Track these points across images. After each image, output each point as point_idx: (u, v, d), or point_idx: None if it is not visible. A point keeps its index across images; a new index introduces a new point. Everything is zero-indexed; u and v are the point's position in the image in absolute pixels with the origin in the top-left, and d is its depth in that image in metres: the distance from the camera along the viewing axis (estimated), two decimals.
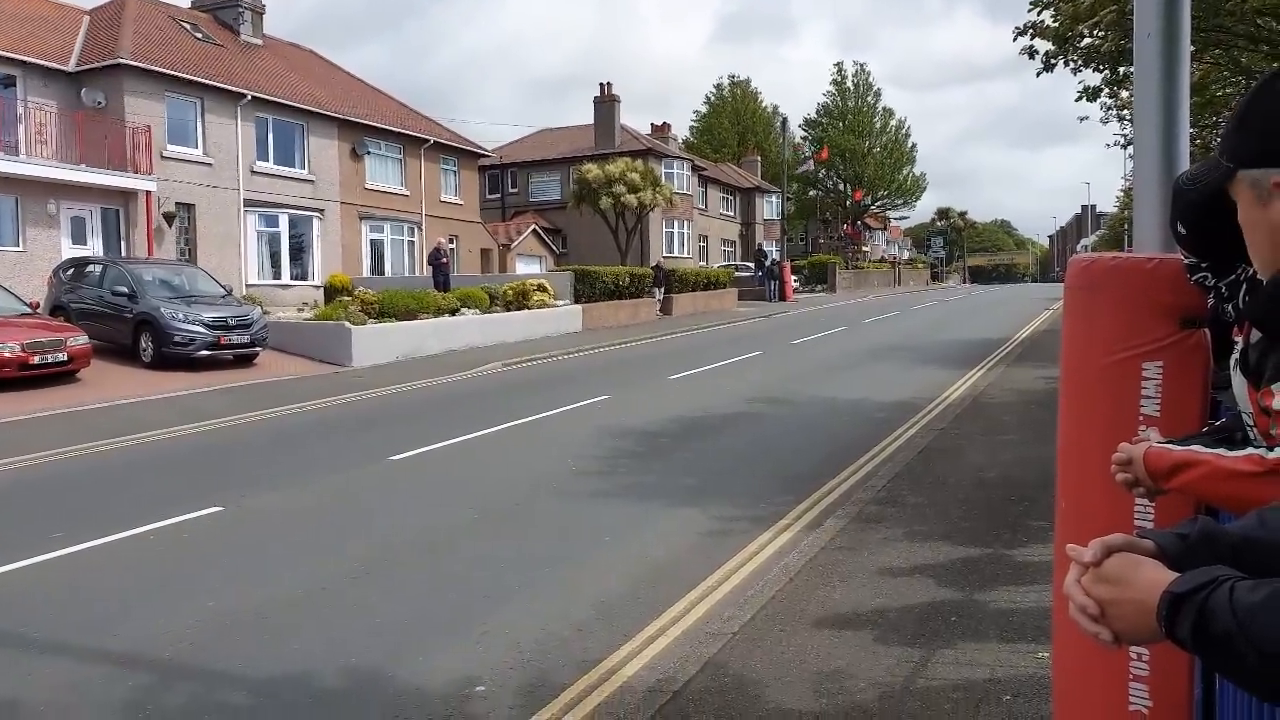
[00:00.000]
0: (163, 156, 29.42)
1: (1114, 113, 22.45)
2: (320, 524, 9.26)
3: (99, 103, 28.53)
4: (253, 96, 32.26)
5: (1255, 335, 1.81)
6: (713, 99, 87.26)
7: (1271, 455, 1.91)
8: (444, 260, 31.39)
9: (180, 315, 21.11)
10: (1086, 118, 53.75)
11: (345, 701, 5.44)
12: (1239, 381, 1.95)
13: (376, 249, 38.39)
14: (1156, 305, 3.15)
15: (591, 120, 57.95)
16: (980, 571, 7.00)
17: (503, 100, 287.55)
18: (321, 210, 35.26)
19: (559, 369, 22.50)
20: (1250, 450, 2.00)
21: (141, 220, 28.90)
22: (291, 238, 34.34)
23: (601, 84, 57.75)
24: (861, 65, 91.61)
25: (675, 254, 56.17)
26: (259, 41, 37.80)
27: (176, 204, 29.88)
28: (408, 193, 39.39)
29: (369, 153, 37.43)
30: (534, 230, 50.91)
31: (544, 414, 15.22)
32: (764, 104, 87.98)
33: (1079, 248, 74.13)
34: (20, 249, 26.13)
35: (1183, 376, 3.14)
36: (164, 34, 32.48)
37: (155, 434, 14.10)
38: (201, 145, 31.14)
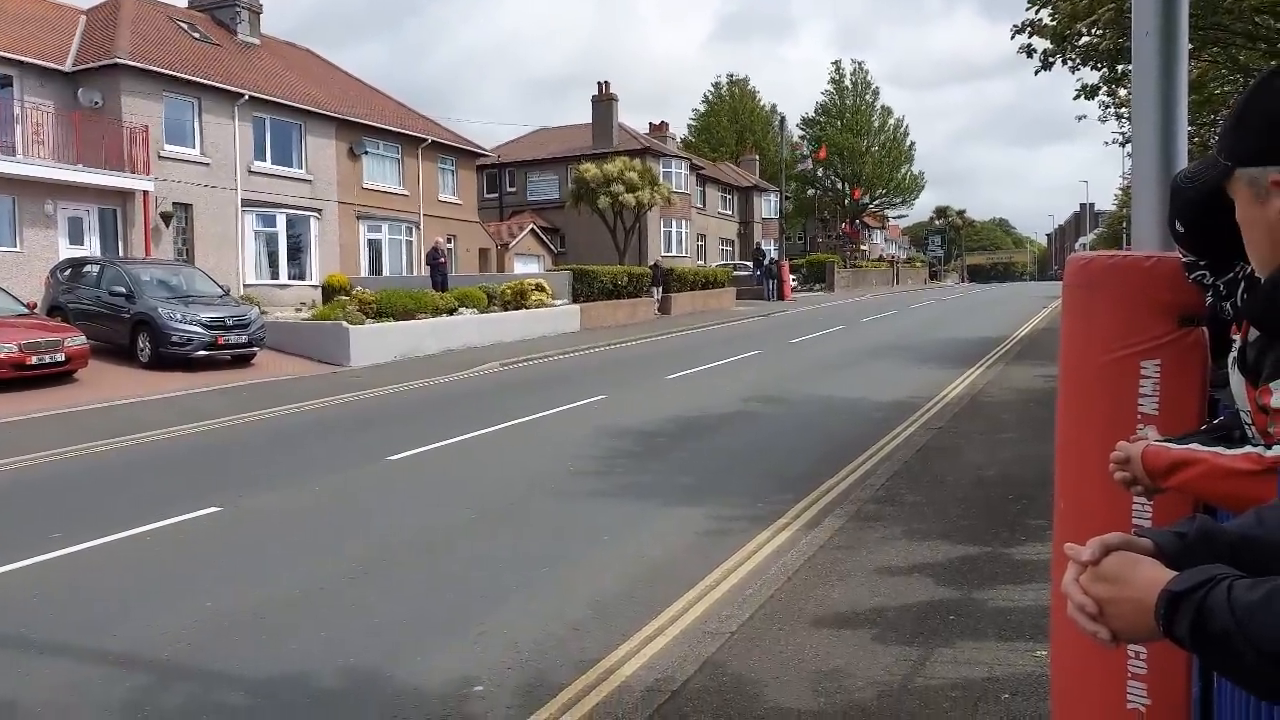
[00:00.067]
0: (160, 156, 29.40)
1: (1112, 111, 22.49)
2: (318, 524, 9.26)
3: (96, 103, 28.50)
4: (250, 96, 32.23)
5: (1253, 333, 1.81)
6: (711, 98, 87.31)
7: (1269, 453, 1.91)
8: (442, 260, 31.37)
9: (178, 315, 21.09)
10: (1085, 116, 53.83)
11: (343, 702, 5.44)
12: (1237, 379, 1.94)
13: (374, 249, 38.38)
14: (1155, 303, 3.15)
15: (589, 119, 57.93)
16: (979, 570, 7.00)
17: (501, 99, 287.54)
18: (319, 210, 35.24)
19: (557, 368, 22.50)
20: (1248, 448, 2.00)
21: (139, 220, 28.87)
22: (289, 237, 34.31)
23: (600, 83, 57.77)
24: (860, 64, 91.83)
25: (673, 253, 56.18)
26: (256, 41, 37.78)
27: (174, 204, 29.86)
28: (406, 192, 39.38)
29: (367, 152, 37.41)
30: (532, 230, 50.89)
31: (541, 414, 15.22)
32: (762, 103, 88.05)
33: (1077, 246, 74.22)
34: (17, 249, 26.10)
35: (1181, 375, 3.14)
36: (161, 34, 32.45)
37: (153, 434, 14.09)
38: (199, 145, 31.11)
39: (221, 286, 24.22)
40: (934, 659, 5.48)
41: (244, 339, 21.92)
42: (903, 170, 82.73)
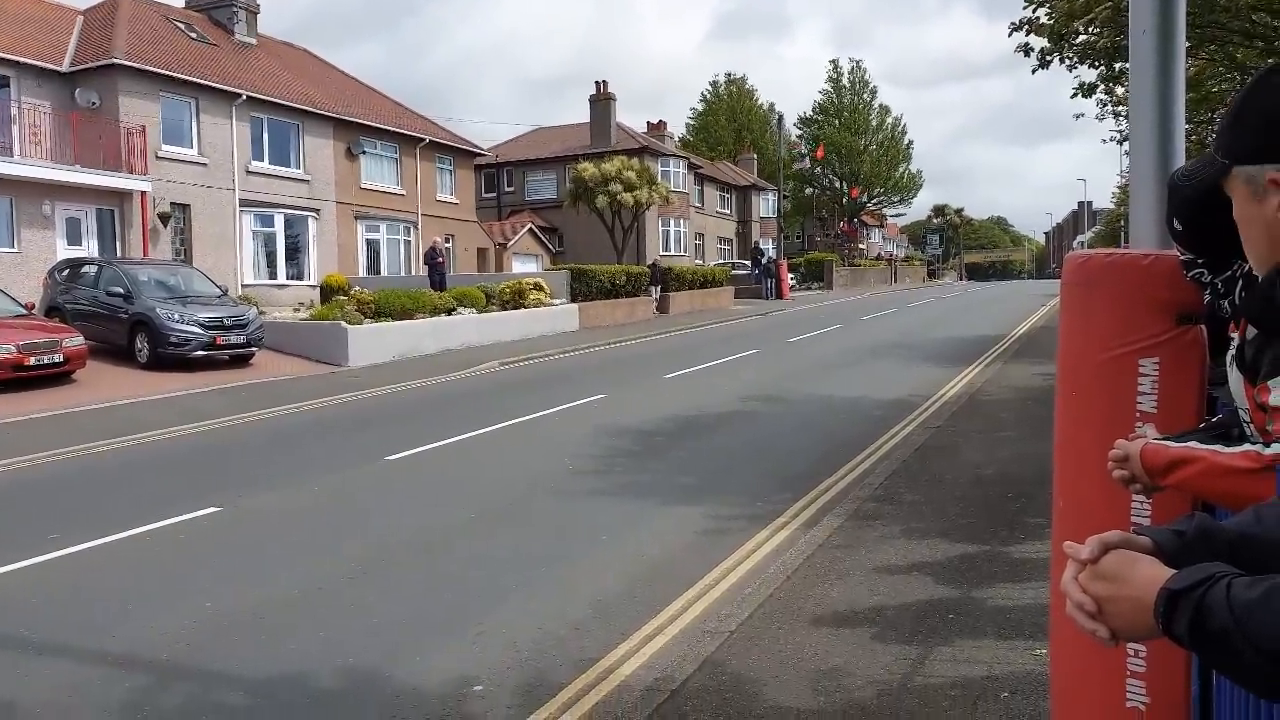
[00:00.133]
0: (157, 157, 29.39)
1: (1109, 109, 22.46)
2: (317, 524, 9.26)
3: (93, 103, 28.49)
4: (247, 96, 32.22)
5: (1251, 331, 1.81)
6: (709, 97, 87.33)
7: (1268, 451, 1.91)
8: (440, 259, 31.37)
9: (176, 316, 21.08)
10: (1082, 114, 53.71)
11: (342, 702, 5.44)
12: (1235, 377, 1.95)
13: (372, 248, 38.37)
14: (1153, 301, 3.15)
15: (587, 119, 57.93)
16: (978, 569, 7.00)
17: (499, 99, 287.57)
18: (317, 210, 35.23)
19: (555, 368, 22.50)
20: (1247, 446, 2.01)
21: (137, 221, 28.85)
22: (287, 237, 34.30)
23: (597, 82, 57.74)
24: (858, 63, 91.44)
25: (671, 252, 56.19)
26: (253, 41, 37.76)
27: (172, 204, 29.84)
28: (403, 192, 39.37)
29: (364, 152, 37.40)
30: (530, 229, 50.87)
31: (540, 413, 15.22)
32: (760, 102, 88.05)
33: (1075, 244, 74.22)
34: (15, 250, 26.08)
35: (1179, 373, 3.15)
36: (158, 34, 32.43)
37: (151, 435, 14.08)
38: (196, 145, 31.10)
39: (219, 287, 24.21)
40: (933, 657, 5.48)
41: (242, 339, 21.91)
42: (901, 169, 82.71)
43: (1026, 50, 17.82)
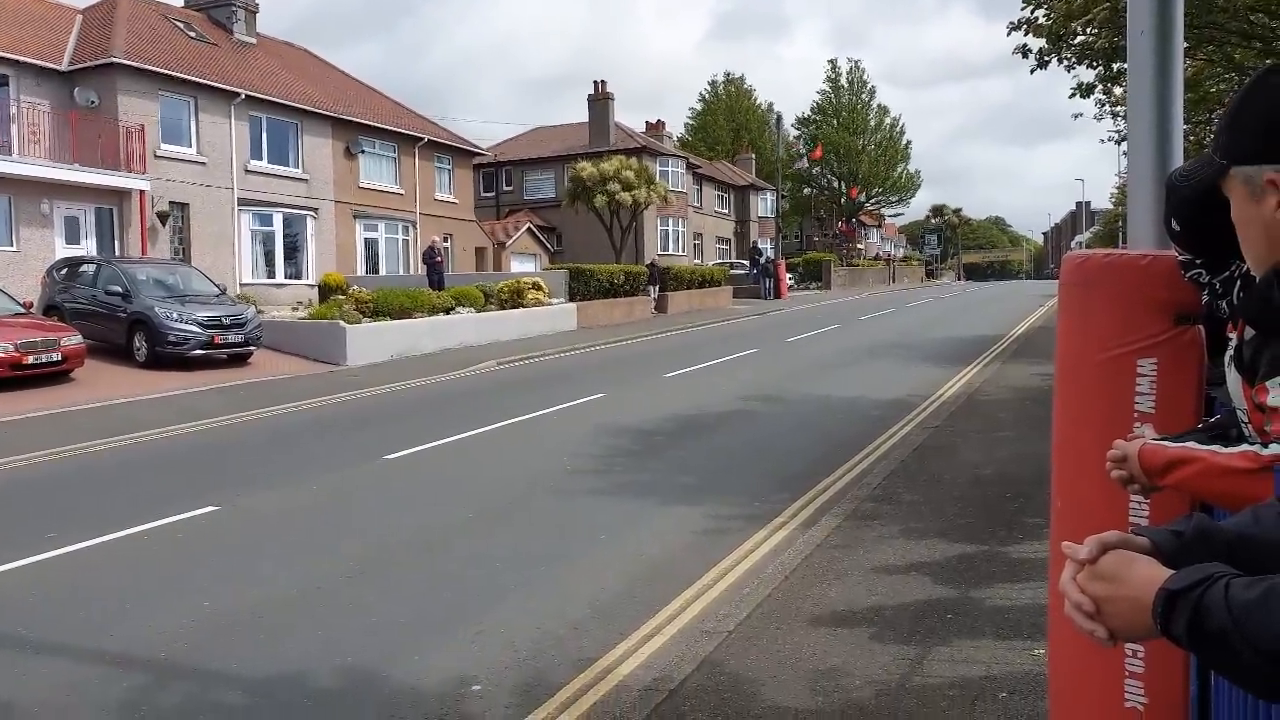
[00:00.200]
0: (156, 156, 29.38)
1: (1108, 109, 22.47)
2: (315, 523, 9.25)
3: (92, 102, 28.47)
4: (246, 95, 32.22)
5: (1249, 332, 1.81)
6: (707, 97, 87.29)
7: (1266, 452, 1.91)
8: (438, 259, 31.36)
9: (174, 315, 21.06)
10: (1081, 114, 53.74)
11: (341, 701, 5.44)
12: (1233, 378, 1.95)
13: (371, 248, 38.37)
14: (1151, 302, 3.16)
15: (586, 118, 57.93)
16: (976, 569, 7.00)
17: (497, 98, 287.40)
18: (316, 209, 35.22)
19: (554, 367, 22.50)
20: (1245, 447, 2.01)
21: (135, 220, 28.85)
22: (286, 237, 34.31)
23: (596, 82, 57.73)
24: (856, 62, 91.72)
25: (670, 252, 56.19)
26: (252, 40, 37.75)
27: (170, 203, 29.84)
28: (402, 191, 39.36)
29: (363, 151, 37.40)
30: (528, 229, 50.88)
31: (539, 412, 15.22)
32: (758, 101, 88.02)
33: (1073, 244, 74.23)
34: (14, 249, 26.08)
35: (1177, 373, 3.15)
36: (157, 33, 32.42)
37: (150, 434, 14.07)
38: (195, 144, 31.09)
39: (218, 286, 24.20)
40: (931, 658, 5.48)
41: (241, 338, 21.90)
42: (899, 169, 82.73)
43: (1025, 51, 17.82)
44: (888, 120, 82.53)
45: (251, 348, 22.29)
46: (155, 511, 9.32)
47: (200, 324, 21.16)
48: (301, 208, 34.66)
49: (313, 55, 42.62)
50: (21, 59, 27.54)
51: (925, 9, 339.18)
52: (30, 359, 17.91)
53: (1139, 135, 3.46)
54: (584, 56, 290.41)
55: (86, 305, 21.99)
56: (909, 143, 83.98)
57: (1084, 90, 19.11)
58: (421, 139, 40.11)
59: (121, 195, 28.62)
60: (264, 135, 33.56)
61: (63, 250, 26.78)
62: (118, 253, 27.82)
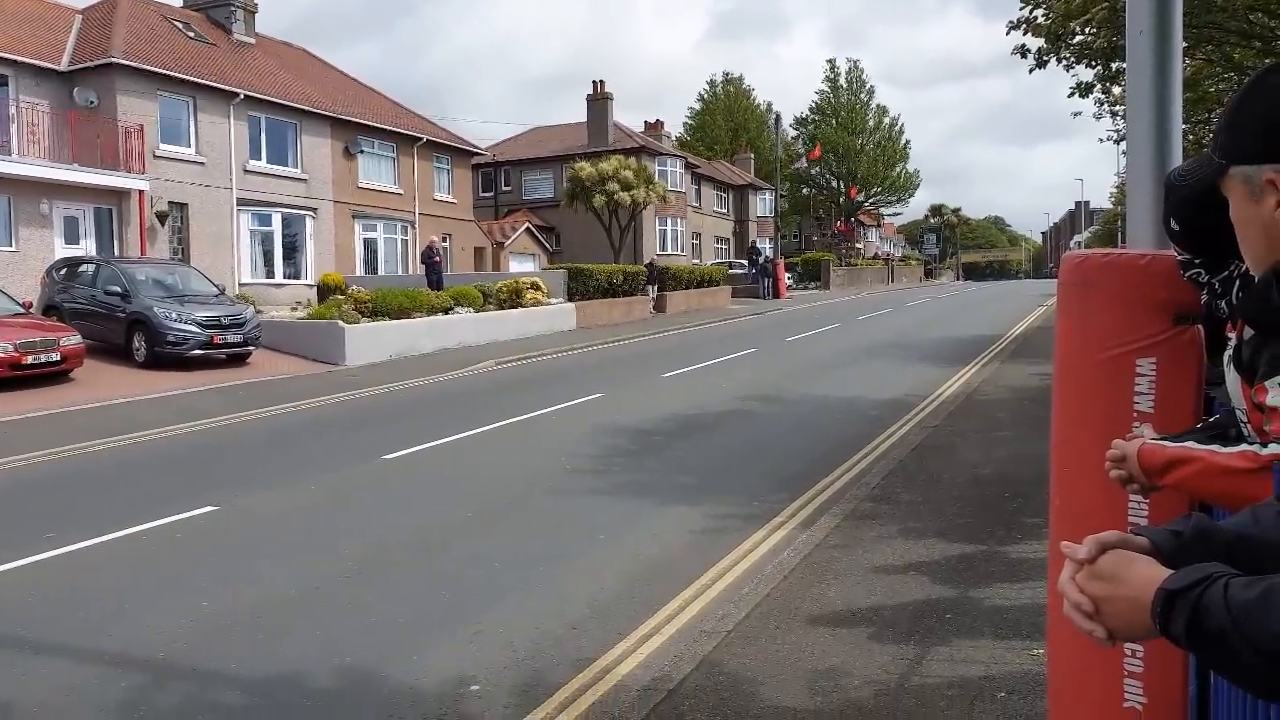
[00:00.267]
0: (155, 156, 29.38)
1: (1107, 109, 22.48)
2: (314, 523, 9.25)
3: (91, 102, 28.46)
4: (245, 95, 32.21)
5: (1248, 331, 1.80)
6: (706, 96, 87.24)
7: (1265, 451, 1.91)
8: (437, 259, 31.36)
9: (173, 315, 21.06)
10: (1080, 113, 53.62)
11: (340, 701, 5.44)
12: (1232, 378, 1.95)
13: (370, 247, 38.36)
14: (1150, 301, 3.15)
15: (585, 118, 57.93)
16: (975, 568, 7.00)
17: (496, 98, 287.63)
18: (314, 209, 35.21)
19: (552, 367, 22.50)
20: (1244, 447, 2.01)
21: (134, 220, 28.85)
22: (284, 237, 34.30)
23: (595, 82, 57.71)
24: (855, 62, 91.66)
25: (669, 251, 56.17)
26: (251, 40, 37.73)
27: (169, 203, 29.83)
28: (401, 191, 39.35)
29: (362, 151, 37.39)
30: (527, 228, 50.88)
31: (538, 412, 15.21)
32: (757, 101, 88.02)
33: (1072, 244, 74.22)
34: (13, 249, 26.07)
35: (1176, 373, 3.15)
36: (156, 33, 32.41)
37: (149, 434, 14.07)
38: (194, 144, 31.08)
39: (217, 286, 24.20)
40: (930, 657, 5.48)
41: (239, 338, 21.90)
42: (898, 168, 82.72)
43: (1024, 51, 17.84)
44: (886, 120, 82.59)
45: (250, 348, 22.29)
46: (154, 511, 9.32)
47: (199, 324, 21.16)
48: (300, 208, 34.65)
49: (312, 55, 42.61)
50: (21, 59, 27.53)
51: (924, 9, 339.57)
52: (29, 359, 17.91)
53: (1138, 135, 3.46)
54: (583, 56, 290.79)
55: (85, 305, 21.99)
56: (908, 142, 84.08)
57: (1083, 90, 19.13)
58: (420, 139, 40.11)
59: (120, 195, 28.61)
60: (263, 135, 33.55)
61: (62, 250, 26.77)
62: (117, 253, 27.80)
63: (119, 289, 21.53)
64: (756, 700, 5.08)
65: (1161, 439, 2.26)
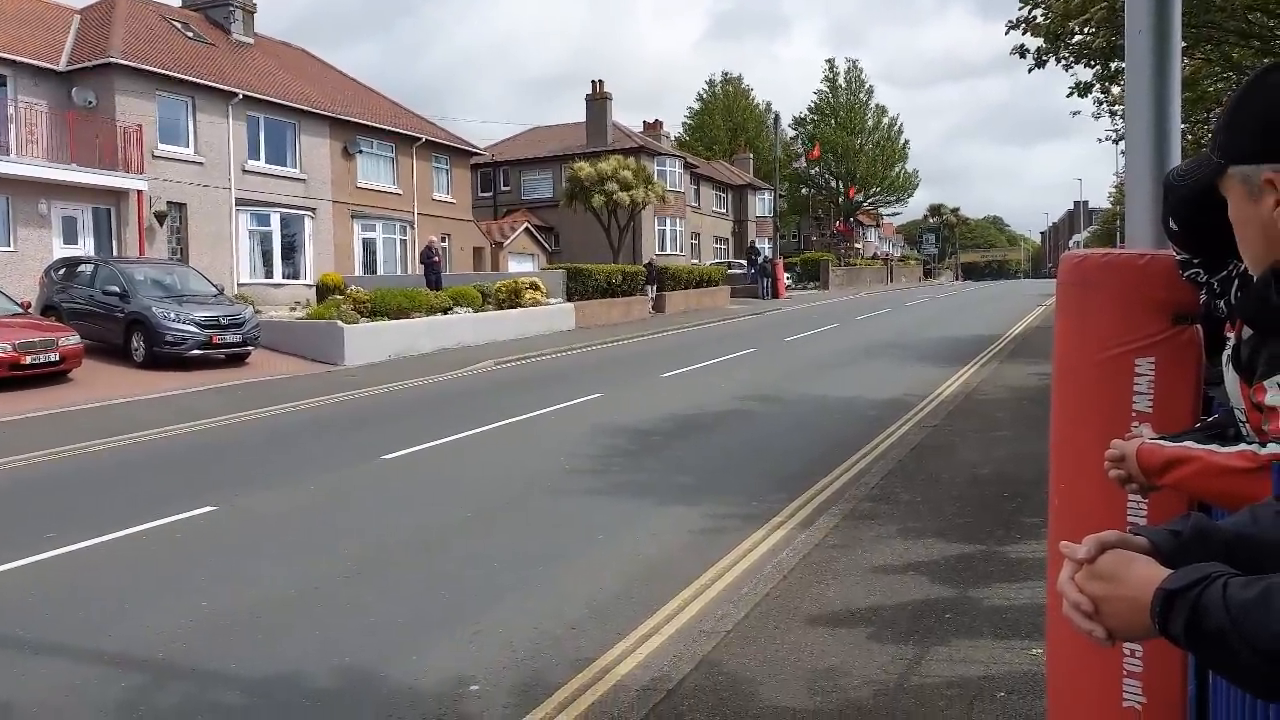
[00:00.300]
0: (154, 156, 29.37)
1: (1106, 108, 22.47)
2: (313, 523, 9.25)
3: (90, 102, 28.45)
4: (244, 95, 32.21)
5: (1247, 331, 1.80)
6: (705, 96, 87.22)
7: (1264, 451, 1.91)
8: (436, 259, 31.35)
9: (172, 315, 21.06)
10: (1079, 112, 53.54)
11: (339, 701, 5.43)
12: (1231, 377, 1.95)
13: (369, 247, 38.35)
14: (1149, 301, 3.16)
15: (583, 118, 57.92)
16: (974, 568, 7.01)
17: (495, 98, 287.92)
18: (313, 209, 35.20)
19: (551, 367, 22.49)
20: (1243, 446, 2.01)
21: (133, 220, 28.84)
22: (283, 237, 34.30)
23: (594, 82, 57.69)
24: (854, 62, 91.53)
25: (668, 251, 56.16)
26: (250, 40, 37.72)
27: (168, 203, 29.83)
28: (400, 191, 39.34)
29: (361, 151, 37.38)
30: (526, 228, 50.87)
31: (537, 412, 15.21)
32: (756, 101, 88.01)
33: (1071, 244, 74.24)
34: (11, 249, 26.06)
35: (1175, 372, 3.15)
36: (155, 33, 32.40)
37: (148, 433, 14.06)
38: (193, 144, 31.07)
39: (216, 286, 24.19)
40: (930, 657, 5.48)
41: (238, 338, 21.89)
42: (897, 168, 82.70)
43: (1023, 51, 17.85)
44: (885, 120, 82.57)
45: (249, 348, 22.28)
46: (153, 511, 9.32)
47: (198, 324, 21.16)
48: (299, 208, 34.65)
49: (310, 55, 42.60)
50: (19, 59, 27.52)
51: (923, 9, 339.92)
52: (28, 359, 17.90)
53: (1137, 134, 3.46)
54: (582, 56, 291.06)
55: (84, 305, 21.98)
56: (907, 142, 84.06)
57: (1082, 89, 19.14)
58: (419, 139, 40.11)
59: (119, 195, 28.60)
60: (261, 135, 33.55)
61: (60, 250, 26.77)
62: (115, 253, 27.80)
63: (117, 289, 21.52)
64: (756, 700, 5.08)
65: (1160, 439, 2.26)
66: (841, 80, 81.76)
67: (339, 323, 23.61)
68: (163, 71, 29.75)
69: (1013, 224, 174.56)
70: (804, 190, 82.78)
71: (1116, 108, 21.54)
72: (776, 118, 69.05)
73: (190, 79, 30.65)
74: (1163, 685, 3.19)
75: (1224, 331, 2.07)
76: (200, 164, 31.05)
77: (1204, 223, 2.09)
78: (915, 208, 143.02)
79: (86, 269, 22.98)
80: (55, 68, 28.52)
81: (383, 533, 8.77)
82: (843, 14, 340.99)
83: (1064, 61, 17.87)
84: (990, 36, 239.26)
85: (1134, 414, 3.15)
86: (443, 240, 38.44)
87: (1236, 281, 2.40)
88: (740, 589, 6.90)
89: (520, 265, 45.95)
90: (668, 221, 58.06)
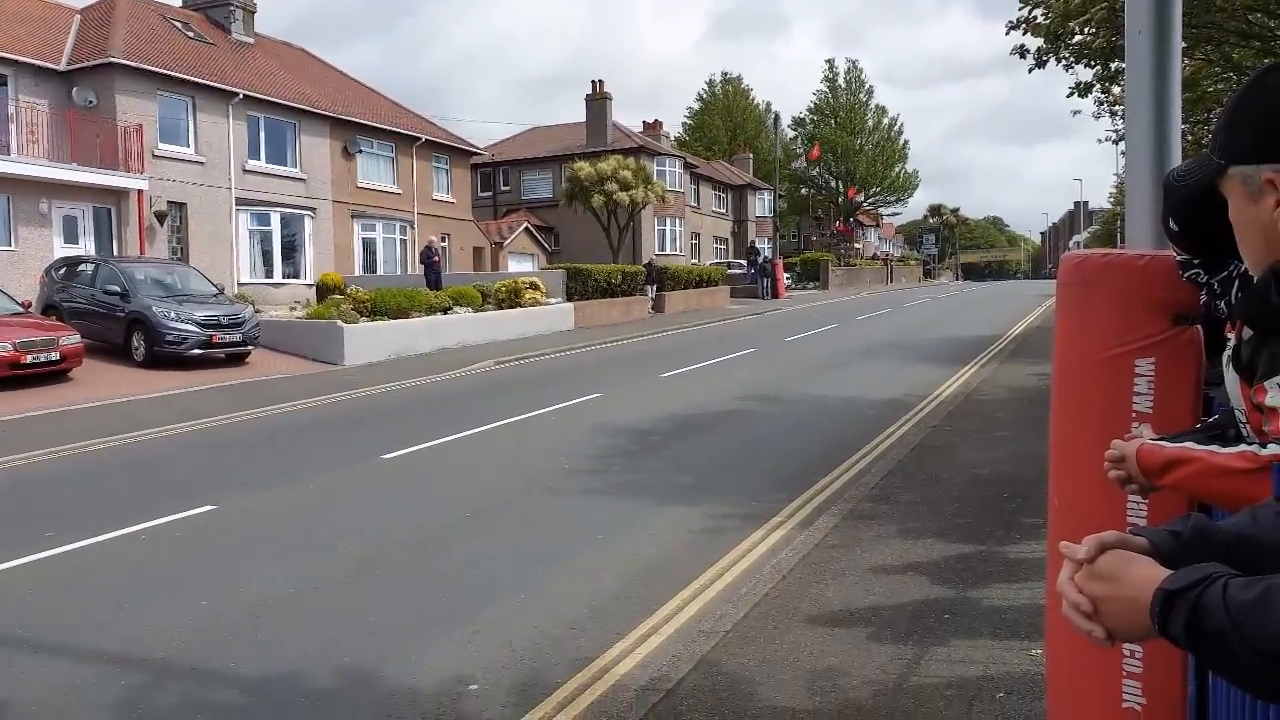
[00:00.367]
0: (154, 155, 29.37)
1: (1106, 108, 22.47)
2: (312, 523, 9.25)
3: (90, 102, 28.45)
4: (244, 95, 32.21)
5: (1247, 332, 1.80)
6: (705, 96, 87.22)
7: (1264, 452, 1.91)
8: (436, 258, 31.34)
9: (172, 314, 21.06)
10: (1079, 112, 53.48)
11: (338, 701, 5.43)
12: (1231, 378, 1.94)
13: (369, 247, 38.35)
14: (1149, 302, 3.15)
15: (583, 118, 57.91)
16: (973, 569, 7.00)
17: (495, 98, 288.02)
18: (313, 209, 35.20)
19: (551, 367, 22.49)
20: (1243, 447, 2.01)
21: (133, 219, 28.84)
22: (283, 236, 34.30)
23: (593, 82, 57.66)
24: (854, 62, 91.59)
25: (667, 251, 56.16)
26: (250, 40, 37.72)
27: (168, 203, 29.83)
28: (399, 191, 39.34)
29: (361, 151, 37.38)
30: (526, 228, 50.86)
31: (536, 412, 15.21)
32: (756, 101, 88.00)
33: (1071, 244, 74.23)
34: (12, 248, 26.07)
35: (1175, 373, 3.15)
36: (155, 33, 32.41)
37: (147, 433, 14.06)
38: (193, 144, 31.07)
39: (216, 285, 24.20)
40: (929, 657, 5.48)
41: (238, 337, 21.90)
42: (897, 169, 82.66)
43: (1023, 51, 17.84)
44: (885, 120, 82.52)
45: (249, 347, 22.29)
46: (153, 511, 9.32)
47: (198, 323, 21.17)
48: (299, 207, 34.65)
49: (311, 55, 42.60)
50: (20, 59, 27.52)
51: (923, 9, 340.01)
52: (29, 358, 17.90)
53: (1137, 135, 3.45)
54: (582, 56, 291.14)
55: (85, 305, 21.99)
56: (907, 142, 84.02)
57: (1082, 90, 19.14)
58: (419, 139, 40.11)
59: (119, 195, 28.60)
60: (262, 135, 33.55)
61: (61, 250, 26.76)
62: (116, 252, 27.80)
63: (118, 288, 21.52)
64: (755, 700, 5.08)
65: (1160, 439, 2.26)
66: (841, 80, 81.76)
67: (339, 322, 23.61)
68: (163, 71, 29.75)
69: (1013, 224, 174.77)
70: (804, 190, 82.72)
71: (1117, 108, 21.54)
72: (776, 118, 69.05)
73: (190, 79, 30.65)
74: (1163, 686, 3.19)
75: (1224, 332, 2.07)
76: (200, 164, 31.05)
77: (1204, 223, 2.09)
78: (915, 208, 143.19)
79: (87, 268, 22.99)
80: (56, 67, 28.52)
81: (382, 532, 8.76)
82: (843, 14, 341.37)
83: (1064, 62, 17.87)
84: (990, 36, 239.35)
85: (1134, 414, 3.15)
86: (442, 240, 38.45)
87: (1237, 282, 2.40)
88: (739, 589, 6.90)
89: (520, 265, 45.95)
90: (667, 221, 58.06)
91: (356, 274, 35.09)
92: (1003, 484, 9.51)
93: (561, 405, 15.77)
